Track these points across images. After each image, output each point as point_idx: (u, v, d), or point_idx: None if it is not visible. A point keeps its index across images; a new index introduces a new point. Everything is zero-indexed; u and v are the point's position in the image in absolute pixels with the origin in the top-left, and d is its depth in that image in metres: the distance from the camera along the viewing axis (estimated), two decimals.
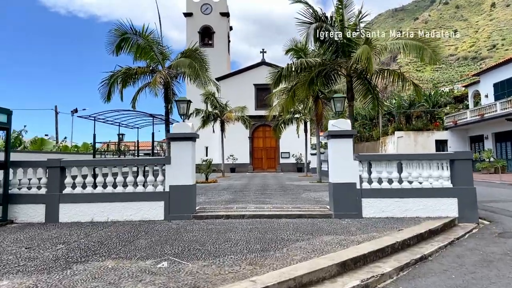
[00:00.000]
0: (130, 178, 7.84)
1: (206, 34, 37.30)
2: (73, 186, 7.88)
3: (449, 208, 7.48)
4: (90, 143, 21.19)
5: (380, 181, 7.76)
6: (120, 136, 18.25)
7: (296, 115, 25.22)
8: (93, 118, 12.63)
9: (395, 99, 35.00)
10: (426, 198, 7.53)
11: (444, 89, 36.26)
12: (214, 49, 36.67)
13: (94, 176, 8.01)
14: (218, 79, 34.75)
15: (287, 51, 16.69)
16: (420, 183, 7.75)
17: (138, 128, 17.03)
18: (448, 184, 7.62)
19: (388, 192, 7.59)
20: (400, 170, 8.36)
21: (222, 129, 25.76)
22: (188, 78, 11.93)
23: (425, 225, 6.78)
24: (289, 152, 34.31)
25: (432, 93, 32.98)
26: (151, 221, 7.52)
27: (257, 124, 34.40)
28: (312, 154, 30.74)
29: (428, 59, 10.58)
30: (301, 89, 12.22)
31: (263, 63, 34.33)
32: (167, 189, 7.67)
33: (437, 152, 10.14)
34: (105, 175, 7.96)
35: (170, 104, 12.68)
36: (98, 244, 5.62)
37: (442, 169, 7.70)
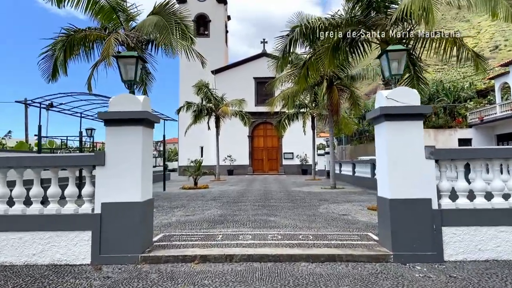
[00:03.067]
0: (36, 191, 4.53)
1: (201, 23, 33.97)
2: None
3: None
4: (63, 140, 17.81)
5: (471, 195, 4.46)
6: (90, 131, 14.98)
7: (302, 110, 21.91)
8: (24, 103, 9.31)
9: None
10: None
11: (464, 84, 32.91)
12: (210, 39, 33.36)
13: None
14: (215, 71, 31.54)
15: (293, 29, 13.33)
16: None
17: None
18: None
19: (489, 215, 4.30)
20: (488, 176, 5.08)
21: (217, 126, 22.45)
22: (163, 47, 8.65)
23: None
24: (292, 153, 30.97)
25: (452, 87, 29.66)
26: (67, 266, 4.24)
27: (257, 122, 31.10)
28: (319, 155, 27.45)
29: (504, 14, 7.31)
30: (315, 64, 8.95)
31: (264, 54, 30.98)
32: (97, 210, 4.38)
33: None
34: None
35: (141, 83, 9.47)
36: None
37: None
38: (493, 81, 27.88)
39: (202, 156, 32.22)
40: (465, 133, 26.56)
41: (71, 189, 4.51)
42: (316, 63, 8.97)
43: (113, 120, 4.45)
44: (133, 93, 4.78)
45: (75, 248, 4.35)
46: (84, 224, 4.38)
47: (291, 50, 8.90)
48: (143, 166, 4.47)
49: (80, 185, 7.70)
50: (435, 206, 4.30)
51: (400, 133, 4.35)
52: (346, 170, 18.81)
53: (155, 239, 5.16)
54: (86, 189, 4.51)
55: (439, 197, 4.42)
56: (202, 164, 26.14)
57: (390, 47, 4.71)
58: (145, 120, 4.51)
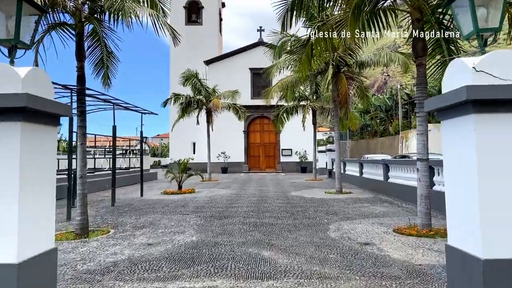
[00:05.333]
0: None
1: (194, 10, 31.66)
2: None
3: None
4: None
5: None
6: None
7: (302, 102, 19.89)
8: None
9: None
10: None
11: None
12: (202, 27, 31.17)
13: None
14: (207, 62, 29.36)
15: None
16: None
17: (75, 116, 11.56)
18: None
19: None
20: None
21: (209, 121, 20.37)
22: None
23: None
24: (291, 149, 28.99)
25: None
26: None
27: (253, 116, 29.04)
28: (319, 151, 25.44)
29: None
30: (323, 42, 6.92)
31: (260, 43, 28.73)
32: None
33: None
34: None
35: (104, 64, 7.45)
36: None
37: None
38: None
39: (194, 153, 30.19)
40: None
41: None
42: (324, 41, 6.89)
43: None
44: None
45: None
46: None
47: (293, 21, 6.82)
48: (26, 196, 2.43)
49: None
50: None
51: (505, 135, 2.34)
52: (352, 170, 16.84)
53: None
54: None
55: None
56: (194, 161, 24.08)
57: None
58: (29, 111, 2.46)
